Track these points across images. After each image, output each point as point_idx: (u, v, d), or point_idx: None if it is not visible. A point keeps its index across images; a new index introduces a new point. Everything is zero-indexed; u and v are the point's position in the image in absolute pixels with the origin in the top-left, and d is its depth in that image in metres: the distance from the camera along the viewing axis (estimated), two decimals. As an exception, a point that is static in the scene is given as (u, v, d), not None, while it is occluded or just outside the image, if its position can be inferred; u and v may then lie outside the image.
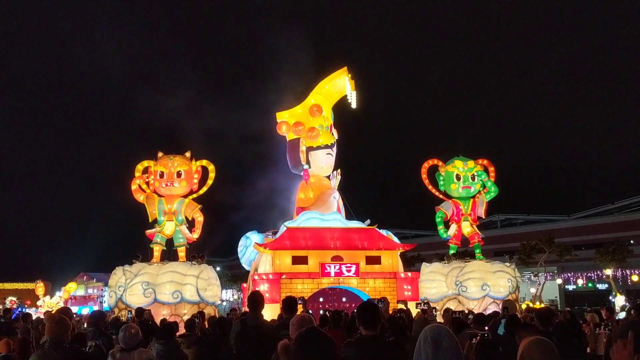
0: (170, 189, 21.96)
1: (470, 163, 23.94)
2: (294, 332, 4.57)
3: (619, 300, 33.42)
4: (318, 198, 23.99)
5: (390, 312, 12.74)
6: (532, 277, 44.20)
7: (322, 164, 24.92)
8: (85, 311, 31.25)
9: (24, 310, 32.70)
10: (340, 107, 26.55)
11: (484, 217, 24.81)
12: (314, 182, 24.58)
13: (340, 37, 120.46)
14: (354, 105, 25.93)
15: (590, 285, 47.63)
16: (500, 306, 17.19)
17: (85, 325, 11.84)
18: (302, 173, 25.14)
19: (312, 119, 24.63)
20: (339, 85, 25.67)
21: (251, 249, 23.47)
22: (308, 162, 24.40)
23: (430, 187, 24.58)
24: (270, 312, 15.20)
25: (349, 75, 25.38)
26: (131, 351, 6.37)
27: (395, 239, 23.00)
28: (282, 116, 25.15)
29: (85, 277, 55.75)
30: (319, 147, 24.64)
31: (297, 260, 20.86)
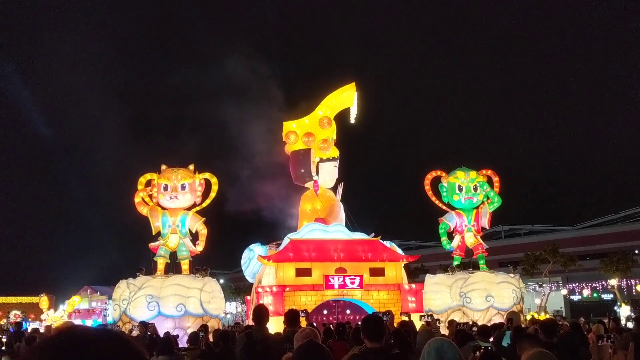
0: (174, 202, 22.02)
1: (472, 174, 23.96)
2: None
3: (624, 311, 33.21)
4: (329, 210, 24.08)
5: (395, 325, 12.72)
6: (537, 287, 43.95)
7: (328, 176, 25.03)
8: (89, 323, 31.20)
9: (28, 323, 32.67)
10: (343, 118, 26.72)
11: (487, 227, 24.81)
12: (320, 194, 24.68)
13: (342, 48, 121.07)
14: (352, 121, 26.20)
15: (595, 295, 47.37)
16: (505, 318, 17.14)
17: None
18: (305, 184, 25.24)
19: (322, 131, 24.79)
20: (345, 99, 25.85)
21: (255, 261, 23.47)
22: (317, 174, 24.52)
23: (433, 198, 24.60)
24: (274, 325, 15.15)
25: (356, 91, 25.66)
26: None
27: (399, 251, 22.99)
28: (289, 126, 25.29)
29: (89, 290, 55.72)
30: (327, 160, 24.79)
31: (300, 273, 20.84)
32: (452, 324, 13.47)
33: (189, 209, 22.40)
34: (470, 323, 16.08)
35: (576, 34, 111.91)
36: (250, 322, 17.35)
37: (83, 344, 1.09)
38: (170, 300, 19.61)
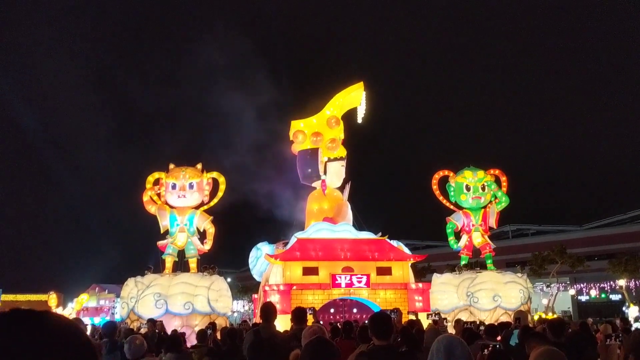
0: (182, 200, 22.12)
1: (480, 173, 23.90)
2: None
3: (633, 311, 32.98)
4: (337, 209, 24.11)
5: (403, 322, 12.72)
6: (545, 288, 43.77)
7: (335, 176, 25.06)
8: (97, 320, 31.38)
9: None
10: (350, 118, 26.73)
11: (495, 227, 24.73)
12: (328, 194, 24.72)
13: (350, 47, 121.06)
14: (360, 120, 26.20)
15: (603, 296, 47.10)
16: (512, 317, 17.09)
17: (97, 337, 11.98)
18: (312, 184, 25.25)
19: (330, 130, 24.84)
20: (353, 99, 25.87)
21: (262, 260, 23.53)
22: (325, 173, 24.57)
23: (441, 198, 24.56)
24: (281, 323, 15.20)
25: (364, 91, 25.66)
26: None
27: (406, 250, 22.97)
28: (297, 125, 25.34)
29: (97, 288, 55.83)
30: (335, 159, 24.83)
31: (307, 271, 20.89)
32: (458, 323, 13.45)
33: (196, 207, 22.50)
34: (478, 323, 16.04)
35: (577, 34, 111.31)
36: (257, 320, 17.40)
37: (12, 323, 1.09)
38: (178, 299, 19.71)
